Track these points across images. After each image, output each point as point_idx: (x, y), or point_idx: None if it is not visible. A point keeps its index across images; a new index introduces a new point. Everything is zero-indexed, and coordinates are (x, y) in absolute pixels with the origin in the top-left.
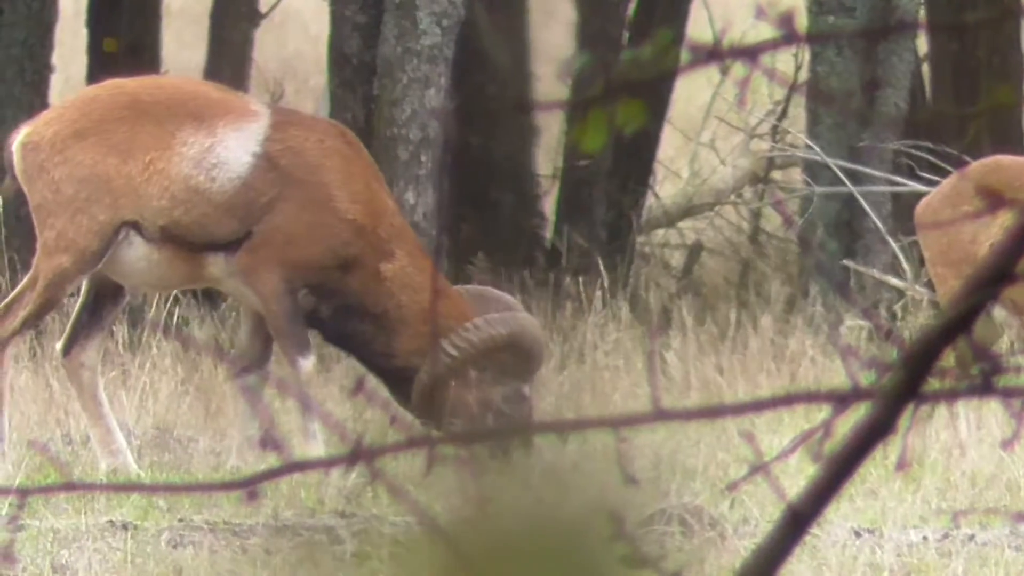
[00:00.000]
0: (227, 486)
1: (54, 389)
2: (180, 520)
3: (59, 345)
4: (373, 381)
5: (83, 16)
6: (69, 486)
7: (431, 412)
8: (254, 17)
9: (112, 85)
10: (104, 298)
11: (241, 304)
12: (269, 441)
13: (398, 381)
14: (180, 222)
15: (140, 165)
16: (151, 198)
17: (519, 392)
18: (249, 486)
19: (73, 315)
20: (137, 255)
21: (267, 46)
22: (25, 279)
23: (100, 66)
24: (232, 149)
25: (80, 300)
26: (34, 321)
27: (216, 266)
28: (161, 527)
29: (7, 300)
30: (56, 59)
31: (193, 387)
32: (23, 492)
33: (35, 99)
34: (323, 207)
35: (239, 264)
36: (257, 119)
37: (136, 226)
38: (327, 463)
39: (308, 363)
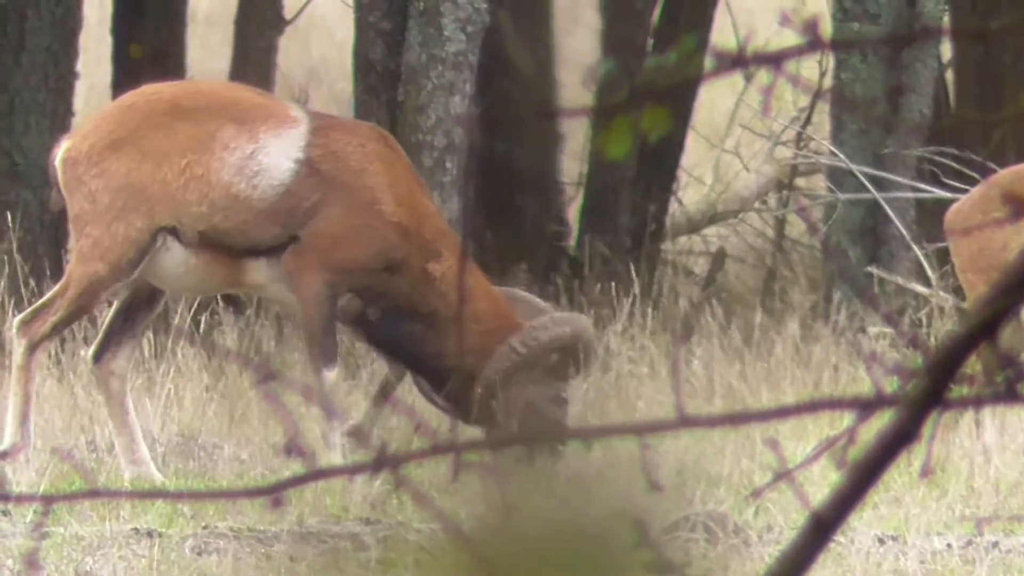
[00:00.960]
0: (252, 493)
1: (78, 396)
2: (205, 527)
3: (90, 352)
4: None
5: (108, 23)
6: (94, 493)
7: (489, 412)
8: (279, 23)
9: (150, 91)
10: (138, 306)
11: (288, 312)
12: (293, 448)
13: (446, 381)
14: (219, 228)
15: (176, 169)
16: (189, 204)
17: (560, 395)
18: (274, 493)
19: (106, 322)
20: (175, 260)
21: (292, 52)
22: (57, 286)
23: (125, 73)
24: (274, 156)
25: (114, 307)
26: (63, 327)
27: (257, 271)
28: (186, 534)
29: (36, 305)
30: (81, 66)
31: (218, 394)
32: (48, 499)
33: (60, 106)
34: (368, 210)
35: (285, 267)
36: (297, 125)
37: (174, 231)
38: (352, 470)
39: (332, 374)
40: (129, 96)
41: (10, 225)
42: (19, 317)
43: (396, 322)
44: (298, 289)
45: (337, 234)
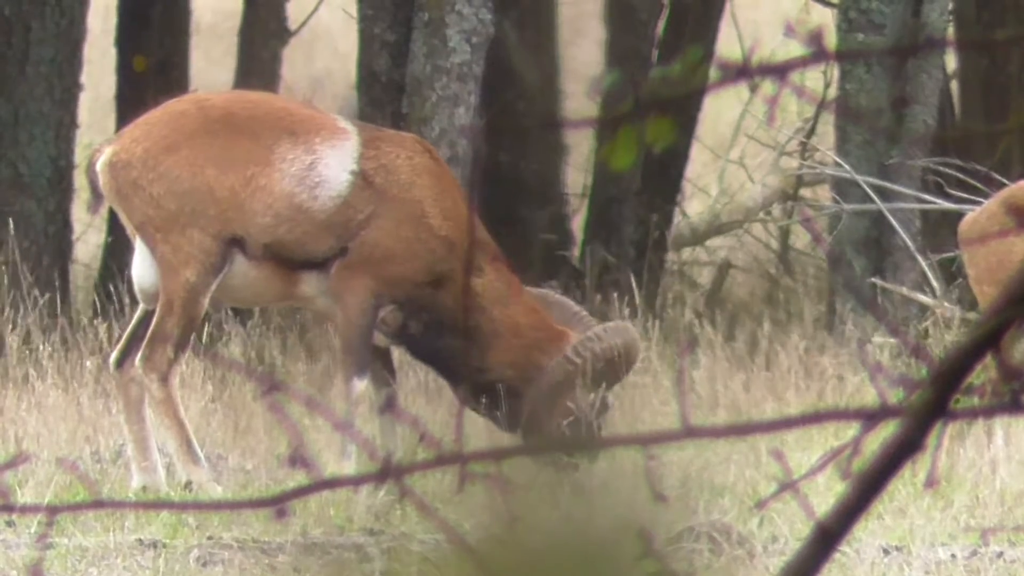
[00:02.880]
0: (256, 504)
1: (83, 407)
2: (209, 538)
3: (112, 357)
4: (401, 399)
5: (112, 34)
6: (98, 504)
7: (539, 422)
8: (283, 35)
9: (199, 99)
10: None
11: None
12: (298, 459)
13: (487, 395)
14: (283, 240)
15: (241, 179)
16: (255, 215)
17: (605, 401)
18: (278, 504)
19: (129, 329)
20: (234, 272)
21: (296, 64)
22: (158, 308)
23: (129, 84)
24: (331, 167)
25: (137, 314)
26: (185, 346)
27: (309, 284)
28: (190, 545)
29: (150, 335)
30: (85, 77)
31: (222, 405)
32: (52, 510)
33: (64, 117)
34: (418, 224)
35: (334, 279)
36: (348, 136)
37: (239, 243)
38: (356, 480)
39: (362, 385)
40: (177, 103)
41: (14, 235)
42: (138, 357)
43: (438, 336)
44: (342, 298)
45: (387, 247)
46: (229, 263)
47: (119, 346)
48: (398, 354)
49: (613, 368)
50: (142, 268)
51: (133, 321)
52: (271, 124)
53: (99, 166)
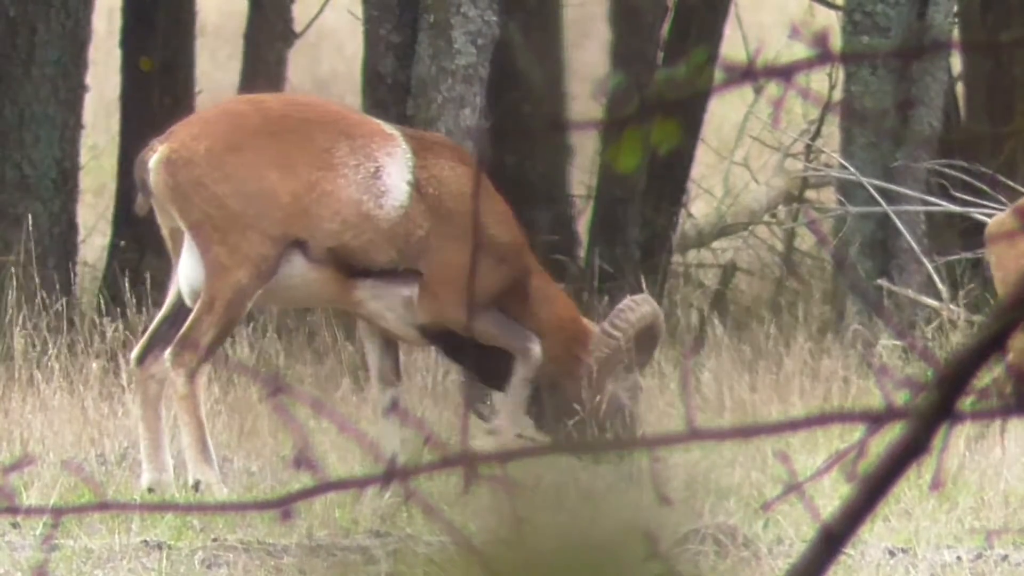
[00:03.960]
0: (261, 505)
1: (88, 409)
2: (214, 540)
3: (134, 354)
4: (406, 400)
5: (117, 35)
6: (103, 506)
7: (593, 404)
8: (288, 36)
9: (254, 100)
10: (187, 313)
11: (368, 325)
12: (303, 460)
13: (534, 394)
14: (348, 246)
15: (305, 184)
16: (322, 220)
17: (636, 383)
18: (283, 505)
19: (152, 326)
20: (293, 273)
21: (301, 65)
22: (198, 304)
23: (134, 85)
24: (393, 176)
25: (162, 312)
26: (217, 346)
27: (363, 290)
28: (195, 547)
29: (184, 331)
30: (90, 79)
31: (227, 406)
32: (57, 512)
33: (69, 118)
34: (481, 235)
35: (427, 312)
36: (398, 143)
37: (302, 245)
38: (361, 482)
39: (536, 346)
40: (233, 103)
41: (20, 237)
42: (169, 350)
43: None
44: (451, 326)
45: (458, 265)
46: (286, 265)
47: (142, 342)
48: (402, 355)
49: (644, 342)
50: (192, 267)
51: (158, 318)
52: (326, 128)
53: (152, 163)
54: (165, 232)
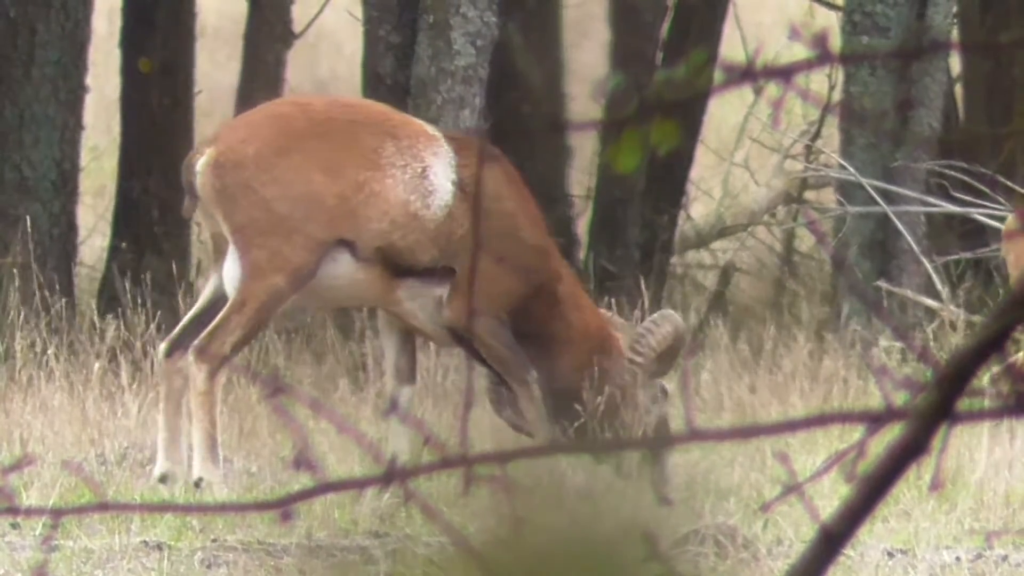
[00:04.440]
0: (261, 506)
1: (88, 409)
2: (214, 540)
3: (162, 346)
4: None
5: (117, 36)
6: (103, 506)
7: (615, 422)
8: (288, 37)
9: (299, 102)
10: (219, 310)
11: (393, 322)
12: (302, 461)
13: (557, 400)
14: (396, 245)
15: (352, 185)
16: (370, 220)
17: (663, 389)
18: (283, 506)
19: (184, 320)
20: (339, 273)
21: (300, 66)
22: (229, 303)
23: (134, 86)
24: (439, 176)
25: (195, 308)
26: (242, 346)
27: (404, 290)
28: (195, 547)
29: (210, 328)
30: (90, 79)
31: (227, 407)
32: (57, 512)
33: (69, 119)
34: (513, 237)
35: (453, 314)
36: (441, 143)
37: (349, 245)
38: (361, 483)
39: (533, 381)
40: (276, 106)
41: (20, 238)
42: (194, 344)
43: (519, 344)
44: (472, 331)
45: (493, 268)
46: (332, 265)
47: (171, 336)
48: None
49: (667, 354)
50: (236, 269)
51: (189, 314)
52: (372, 129)
53: (199, 166)
54: (208, 235)
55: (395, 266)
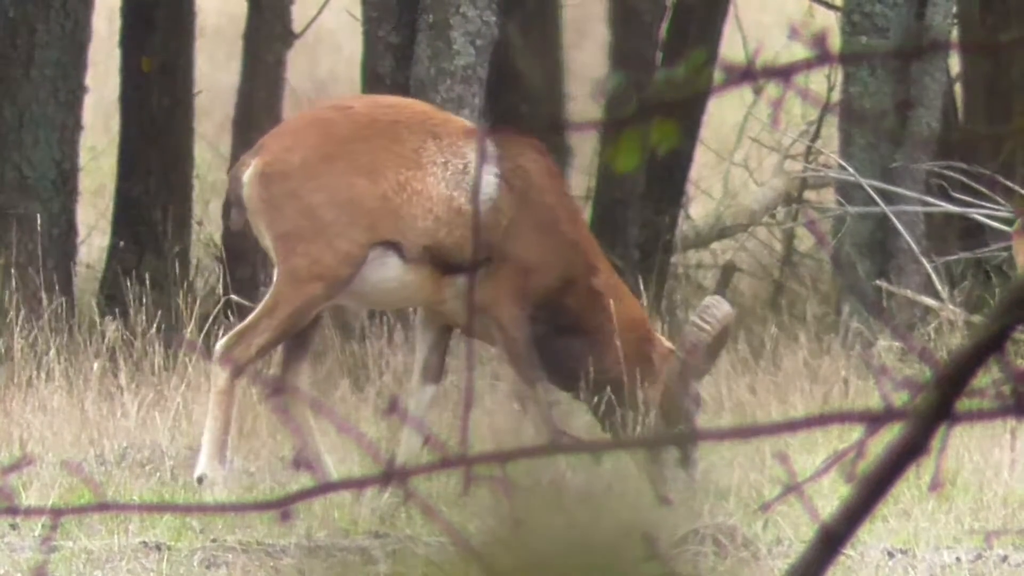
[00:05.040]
0: (261, 506)
1: (88, 410)
2: (213, 541)
3: (274, 373)
4: (406, 401)
5: (116, 36)
6: (102, 506)
7: (671, 411)
8: (287, 37)
9: (342, 106)
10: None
11: (432, 319)
12: (302, 461)
13: (599, 394)
14: (443, 243)
15: (394, 185)
16: (415, 219)
17: (698, 394)
18: (283, 506)
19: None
20: (389, 275)
21: (300, 66)
22: (260, 306)
23: (133, 87)
24: (482, 171)
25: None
26: (269, 349)
27: (451, 287)
28: (194, 548)
29: (239, 328)
30: (90, 80)
31: None
32: (56, 512)
33: (69, 119)
34: (552, 229)
35: (483, 297)
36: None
37: (396, 246)
38: (361, 483)
39: (538, 392)
40: (318, 112)
41: (18, 237)
42: (221, 342)
43: (560, 338)
44: (498, 314)
45: (531, 256)
46: (381, 268)
47: (279, 359)
48: (402, 356)
49: (716, 345)
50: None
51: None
52: (414, 128)
53: (246, 178)
54: (265, 244)
55: (443, 264)
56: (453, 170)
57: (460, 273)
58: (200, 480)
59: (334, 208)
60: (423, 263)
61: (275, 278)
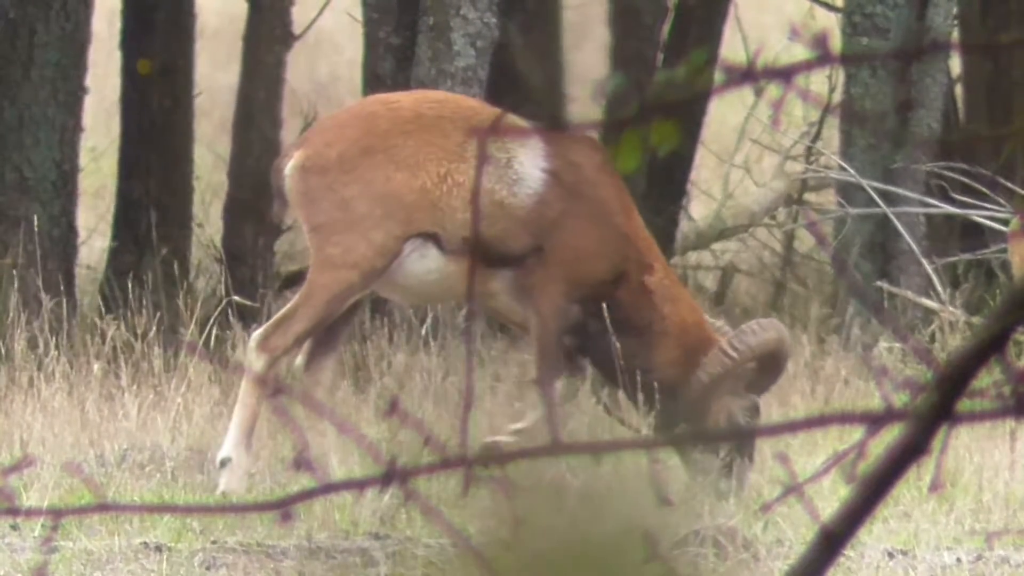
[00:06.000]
0: (261, 507)
1: (88, 410)
2: (213, 542)
3: (299, 361)
4: (407, 402)
5: (116, 38)
6: (103, 507)
7: (700, 418)
8: (287, 39)
9: (388, 100)
10: (340, 319)
11: (512, 320)
12: (302, 462)
13: (653, 394)
14: (484, 236)
15: (435, 177)
16: (455, 211)
17: (755, 404)
18: (283, 507)
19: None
20: (429, 268)
21: (300, 68)
22: (296, 296)
23: (134, 87)
24: (526, 165)
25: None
26: (306, 338)
27: (498, 281)
28: (194, 549)
29: (275, 319)
30: (90, 81)
31: (227, 408)
32: (56, 513)
33: (68, 120)
34: (604, 222)
35: (529, 280)
36: (531, 134)
37: (435, 239)
38: (361, 484)
39: (554, 391)
40: (364, 105)
41: (20, 239)
42: (257, 332)
43: (607, 333)
44: (538, 301)
45: (580, 247)
46: (422, 261)
47: (306, 351)
48: (403, 356)
49: (768, 367)
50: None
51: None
52: (458, 124)
53: (288, 170)
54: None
55: (487, 256)
56: (496, 164)
57: (507, 266)
58: (223, 463)
59: (368, 200)
60: (464, 255)
61: (310, 268)
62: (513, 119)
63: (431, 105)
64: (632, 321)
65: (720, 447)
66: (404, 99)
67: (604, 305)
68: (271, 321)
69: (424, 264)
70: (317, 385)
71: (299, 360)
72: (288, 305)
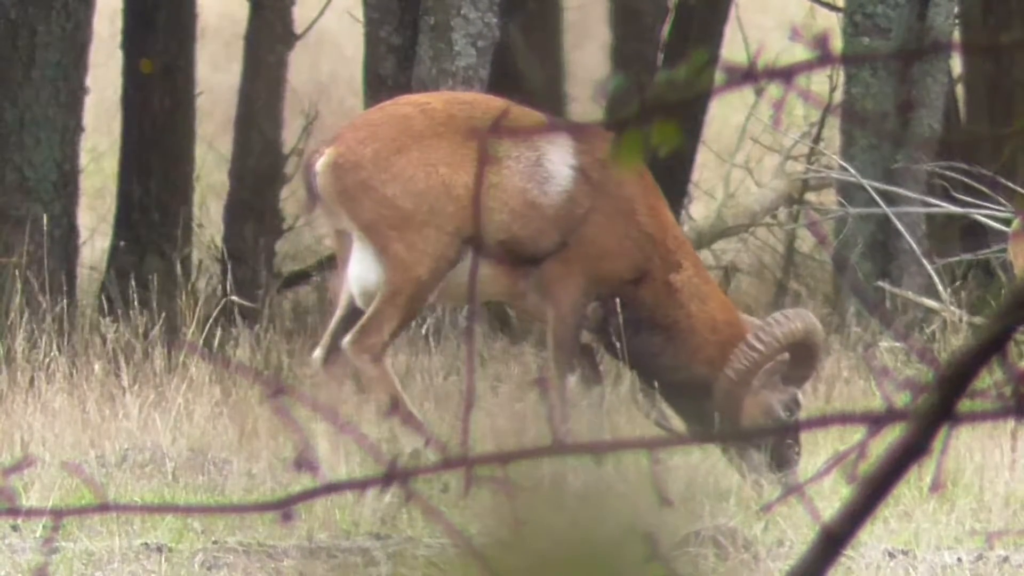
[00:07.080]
0: (262, 507)
1: (89, 411)
2: (214, 542)
3: (317, 355)
4: (408, 402)
5: (118, 38)
6: (103, 508)
7: (731, 413)
8: (289, 39)
9: (419, 102)
10: (360, 312)
11: (544, 320)
12: (303, 462)
13: (681, 393)
14: (518, 236)
15: (472, 179)
16: (492, 212)
17: (795, 397)
18: (284, 507)
19: (331, 328)
20: (468, 270)
21: (301, 68)
22: (381, 296)
23: (135, 88)
24: (555, 163)
25: (338, 314)
26: (399, 333)
27: (527, 279)
28: (195, 549)
29: (363, 322)
30: (91, 81)
31: (228, 408)
32: (57, 513)
33: (70, 121)
34: (628, 220)
35: (548, 273)
36: (560, 132)
37: (472, 240)
38: (362, 484)
39: (573, 380)
40: (396, 105)
41: (21, 239)
42: (348, 339)
43: (636, 333)
44: (556, 295)
45: (602, 244)
46: (461, 261)
47: (324, 345)
48: (406, 358)
49: (801, 358)
50: (363, 269)
51: (335, 322)
52: (488, 123)
53: (319, 167)
54: (331, 233)
55: (518, 256)
56: (526, 163)
57: (535, 265)
58: (413, 455)
59: (412, 197)
60: (498, 257)
61: (383, 268)
62: (541, 116)
63: (461, 106)
64: (656, 319)
65: (761, 441)
66: (435, 100)
67: (625, 303)
68: (357, 327)
69: (461, 266)
70: (335, 380)
71: (317, 353)
72: (372, 308)
